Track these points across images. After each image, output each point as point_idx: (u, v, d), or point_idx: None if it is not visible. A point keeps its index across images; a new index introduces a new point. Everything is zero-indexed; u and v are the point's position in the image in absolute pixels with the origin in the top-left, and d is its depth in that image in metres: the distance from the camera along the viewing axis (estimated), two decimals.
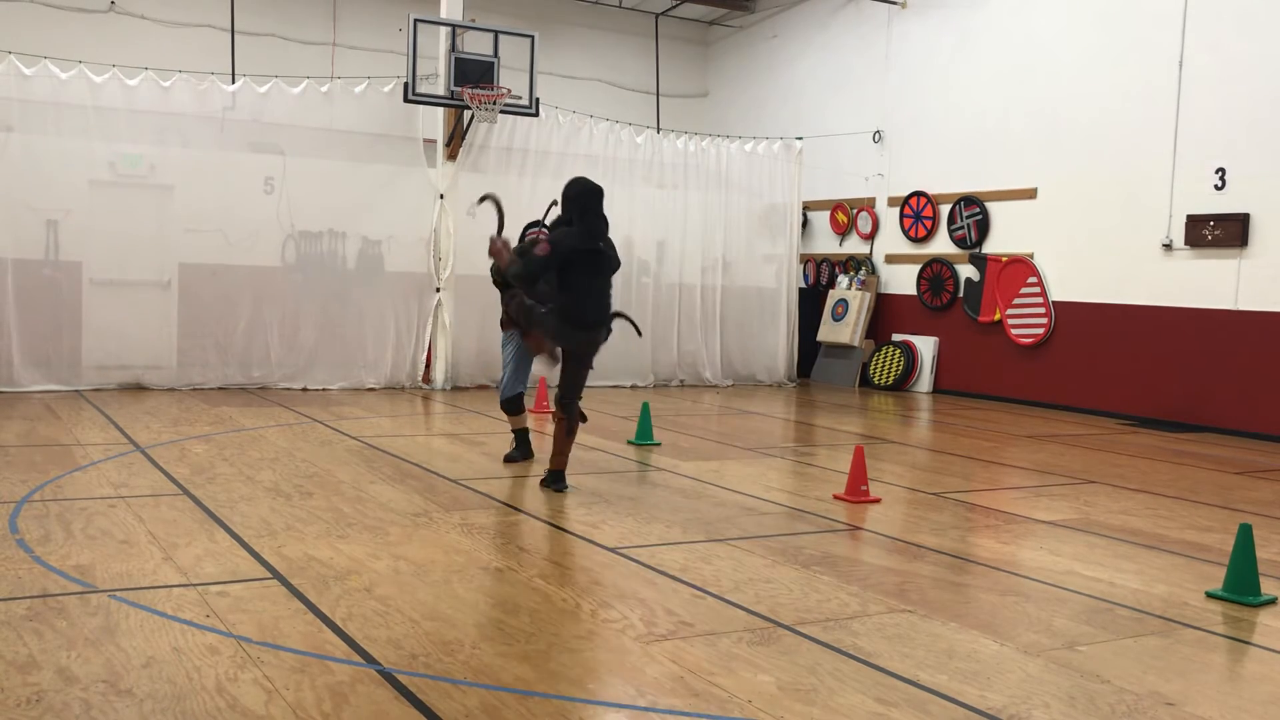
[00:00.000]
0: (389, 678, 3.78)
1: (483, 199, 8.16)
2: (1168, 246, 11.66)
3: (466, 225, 12.88)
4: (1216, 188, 11.22)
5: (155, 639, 4.06)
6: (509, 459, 8.10)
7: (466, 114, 12.50)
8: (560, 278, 6.73)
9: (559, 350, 6.92)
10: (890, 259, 15.18)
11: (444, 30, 12.44)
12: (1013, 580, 5.36)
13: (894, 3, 14.87)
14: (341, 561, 5.24)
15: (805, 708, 3.64)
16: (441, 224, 12.69)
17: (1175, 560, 5.85)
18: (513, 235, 7.98)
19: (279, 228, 12.19)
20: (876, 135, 15.23)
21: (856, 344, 15.01)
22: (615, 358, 13.93)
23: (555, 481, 7.07)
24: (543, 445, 8.15)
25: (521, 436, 8.18)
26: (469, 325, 12.97)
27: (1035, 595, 5.09)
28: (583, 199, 6.81)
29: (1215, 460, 9.48)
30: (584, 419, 7.11)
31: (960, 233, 14.09)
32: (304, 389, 12.15)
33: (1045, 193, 13.09)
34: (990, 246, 13.79)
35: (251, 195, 12.04)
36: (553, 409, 7.09)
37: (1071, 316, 12.78)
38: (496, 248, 7.22)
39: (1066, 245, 12.79)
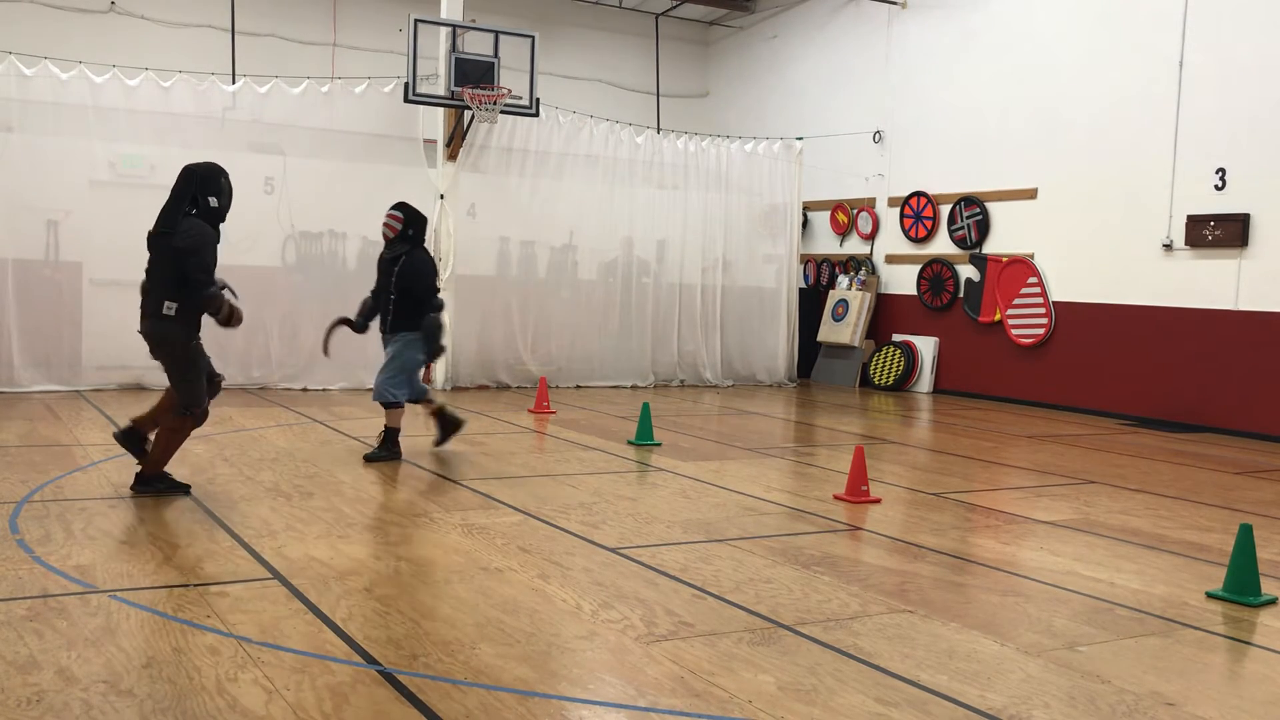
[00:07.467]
0: (389, 678, 3.78)
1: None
2: (1168, 246, 11.66)
3: (467, 225, 12.89)
4: (1216, 188, 11.22)
5: (155, 639, 4.06)
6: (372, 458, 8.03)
7: (467, 114, 12.50)
8: None
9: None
10: (890, 259, 15.18)
11: (444, 30, 12.44)
12: (1013, 580, 5.36)
13: (894, 3, 14.87)
14: (342, 562, 5.24)
15: (805, 708, 3.64)
16: (442, 224, 12.68)
17: (1175, 560, 5.85)
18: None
19: (279, 228, 12.18)
20: (876, 135, 15.23)
21: (857, 344, 15.01)
22: (616, 358, 13.96)
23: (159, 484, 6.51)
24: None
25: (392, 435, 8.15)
26: (469, 325, 12.96)
27: (1035, 595, 5.09)
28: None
29: (1215, 460, 9.48)
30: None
31: (960, 233, 14.09)
32: (304, 389, 12.15)
33: (1045, 193, 13.09)
34: (990, 247, 13.79)
35: (251, 195, 11.98)
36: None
37: (1071, 316, 12.78)
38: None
39: (1067, 245, 12.79)
